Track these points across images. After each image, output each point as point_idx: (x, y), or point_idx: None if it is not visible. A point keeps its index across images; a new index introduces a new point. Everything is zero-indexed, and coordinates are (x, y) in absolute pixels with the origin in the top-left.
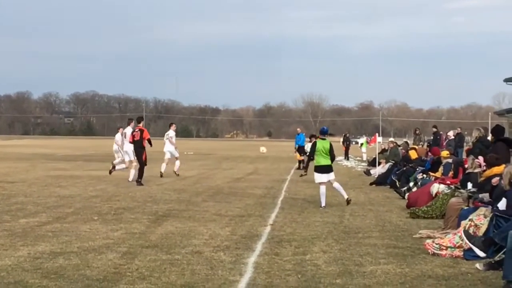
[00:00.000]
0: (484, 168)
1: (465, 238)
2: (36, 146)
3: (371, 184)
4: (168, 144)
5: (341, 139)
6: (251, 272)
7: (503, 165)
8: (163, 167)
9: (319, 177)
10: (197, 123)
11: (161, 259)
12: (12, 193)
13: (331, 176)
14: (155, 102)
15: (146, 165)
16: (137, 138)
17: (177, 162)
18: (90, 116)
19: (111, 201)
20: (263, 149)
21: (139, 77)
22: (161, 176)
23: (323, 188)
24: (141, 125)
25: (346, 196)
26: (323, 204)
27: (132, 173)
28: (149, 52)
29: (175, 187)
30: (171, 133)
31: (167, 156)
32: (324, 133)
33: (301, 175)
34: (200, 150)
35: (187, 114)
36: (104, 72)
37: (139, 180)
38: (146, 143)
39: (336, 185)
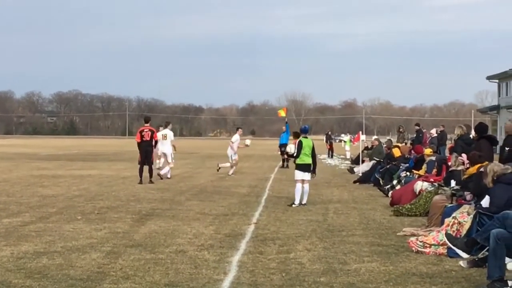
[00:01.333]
0: (468, 165)
1: (447, 241)
2: (19, 146)
3: (354, 182)
4: (167, 145)
5: (324, 138)
6: (235, 271)
7: (486, 163)
8: (164, 169)
9: (301, 175)
10: (180, 121)
11: (145, 258)
12: None
13: (309, 175)
14: (138, 101)
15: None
16: (147, 138)
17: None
18: (73, 115)
19: (95, 200)
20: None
21: (122, 76)
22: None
23: (299, 186)
24: (148, 124)
25: (303, 202)
26: (297, 202)
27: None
28: (131, 50)
29: (158, 186)
30: (168, 132)
31: (169, 158)
32: (305, 131)
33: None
34: (183, 149)
35: (170, 113)
36: (87, 71)
37: (151, 179)
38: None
39: (307, 186)
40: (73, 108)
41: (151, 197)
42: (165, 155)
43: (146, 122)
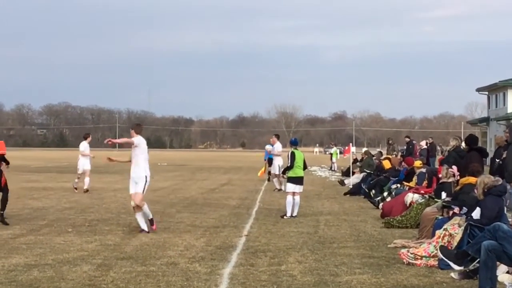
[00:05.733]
0: (458, 177)
1: (440, 254)
2: (8, 158)
3: (345, 194)
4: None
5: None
6: (226, 283)
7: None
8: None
9: (293, 188)
10: (170, 134)
11: (136, 271)
12: None
13: (301, 188)
14: (128, 113)
15: None
16: None
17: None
18: (63, 128)
19: (85, 212)
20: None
21: (111, 88)
22: None
23: (290, 198)
24: None
25: (294, 214)
26: (288, 214)
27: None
28: (121, 63)
29: (148, 198)
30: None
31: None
32: (296, 143)
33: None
34: (173, 161)
35: (160, 125)
36: (77, 84)
37: None
38: None
39: (298, 198)
40: (63, 120)
41: None
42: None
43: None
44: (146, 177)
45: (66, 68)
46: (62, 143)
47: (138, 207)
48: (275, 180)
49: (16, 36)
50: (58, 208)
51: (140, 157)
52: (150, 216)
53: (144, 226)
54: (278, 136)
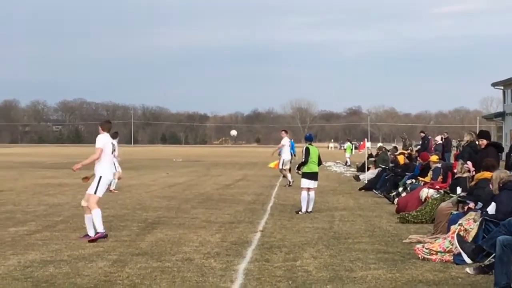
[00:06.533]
0: (473, 173)
1: (456, 242)
2: (24, 155)
3: (360, 189)
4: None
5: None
6: (242, 278)
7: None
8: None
9: (307, 183)
10: (185, 129)
11: (151, 267)
12: (0, 202)
13: (316, 183)
14: (143, 109)
15: None
16: None
17: None
18: (78, 124)
19: (100, 208)
20: (233, 133)
21: (126, 84)
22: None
23: (305, 194)
24: None
25: (309, 209)
26: (303, 209)
27: None
28: (136, 59)
29: (164, 194)
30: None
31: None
32: (311, 139)
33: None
34: (188, 157)
35: (175, 121)
36: (92, 80)
37: None
38: None
39: (313, 194)
40: (78, 117)
41: (157, 205)
42: None
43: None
44: (100, 177)
45: (81, 64)
46: (78, 139)
47: (87, 208)
48: (288, 175)
49: (31, 33)
50: (73, 205)
51: (102, 157)
52: (97, 230)
53: (90, 230)
54: (286, 132)
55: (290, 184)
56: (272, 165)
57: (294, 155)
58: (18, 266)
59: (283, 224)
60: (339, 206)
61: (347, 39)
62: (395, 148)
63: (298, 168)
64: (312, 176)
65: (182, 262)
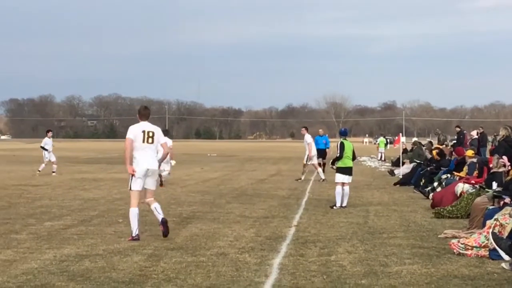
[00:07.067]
0: (509, 167)
1: (491, 239)
2: (59, 149)
3: (395, 184)
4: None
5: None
6: (276, 273)
7: None
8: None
9: (342, 178)
10: (220, 124)
11: (186, 261)
12: (37, 197)
13: (350, 178)
14: (177, 104)
15: None
16: None
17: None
18: (113, 119)
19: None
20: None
21: (161, 79)
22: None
23: (340, 188)
24: None
25: (343, 204)
26: (338, 204)
27: None
28: (171, 54)
29: (198, 189)
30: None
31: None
32: (345, 134)
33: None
34: (223, 152)
35: (210, 116)
36: (127, 75)
37: None
38: None
39: (347, 189)
40: (113, 112)
41: (191, 200)
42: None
43: None
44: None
45: (116, 59)
46: (112, 134)
47: (147, 204)
48: (318, 171)
49: (67, 29)
50: (108, 199)
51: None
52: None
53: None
54: (307, 129)
55: (323, 179)
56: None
57: (328, 148)
58: (54, 260)
59: (318, 219)
60: (373, 201)
61: (382, 34)
62: (431, 143)
63: (333, 163)
64: (347, 171)
65: (217, 256)
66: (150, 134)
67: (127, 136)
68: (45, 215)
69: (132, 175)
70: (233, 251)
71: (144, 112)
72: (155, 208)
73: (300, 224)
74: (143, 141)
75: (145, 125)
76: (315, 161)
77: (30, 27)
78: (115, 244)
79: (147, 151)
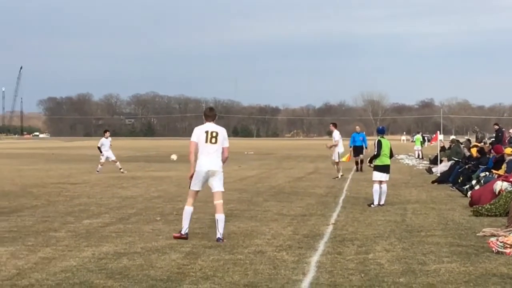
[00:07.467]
0: None
1: None
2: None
3: (433, 182)
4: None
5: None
6: (314, 271)
7: None
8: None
9: (379, 176)
10: (257, 122)
11: (224, 259)
12: (75, 195)
13: (388, 176)
14: (215, 102)
15: None
16: None
17: None
18: (150, 117)
19: (173, 201)
20: (173, 157)
21: (198, 77)
22: None
23: (377, 186)
24: None
25: (381, 202)
26: (375, 202)
27: None
28: (208, 52)
29: (236, 187)
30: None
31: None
32: (383, 132)
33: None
34: (260, 150)
35: (247, 114)
36: (164, 73)
37: None
38: None
39: (385, 187)
40: (150, 110)
41: (229, 198)
42: None
43: None
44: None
45: (153, 57)
46: (150, 132)
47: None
48: (336, 168)
49: (104, 28)
50: (146, 197)
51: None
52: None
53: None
54: (335, 125)
55: (339, 177)
56: (344, 158)
57: (366, 148)
58: (92, 258)
59: (355, 217)
60: (411, 199)
61: (420, 32)
62: (469, 141)
63: (370, 161)
64: (384, 168)
65: (254, 254)
66: (214, 135)
67: (190, 139)
68: (83, 213)
69: (192, 175)
70: (270, 249)
71: (210, 113)
72: (217, 220)
73: (338, 222)
74: (206, 141)
75: (209, 126)
76: (336, 158)
77: (69, 27)
78: (153, 242)
79: (209, 152)
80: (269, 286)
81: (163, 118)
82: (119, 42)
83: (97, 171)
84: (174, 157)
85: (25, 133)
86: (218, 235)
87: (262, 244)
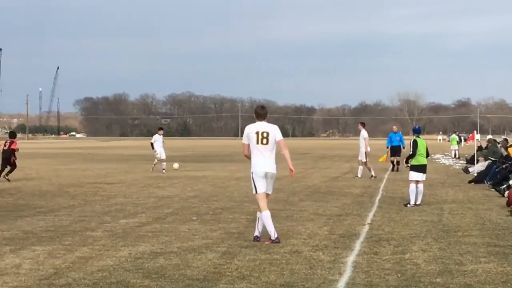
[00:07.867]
0: None
1: None
2: (134, 147)
3: (469, 182)
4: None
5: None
6: (350, 271)
7: None
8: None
9: (416, 176)
10: (293, 122)
11: (260, 259)
12: (111, 194)
13: (424, 176)
14: (250, 102)
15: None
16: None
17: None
18: (186, 117)
19: (209, 201)
20: (175, 166)
21: (234, 77)
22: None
23: (414, 186)
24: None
25: (417, 202)
26: (412, 202)
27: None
28: (244, 52)
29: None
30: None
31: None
32: (419, 132)
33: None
34: (296, 150)
35: (283, 114)
36: (200, 73)
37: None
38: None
39: (421, 187)
40: (186, 110)
41: None
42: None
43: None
44: (251, 173)
45: (189, 57)
46: (186, 132)
47: None
48: (359, 168)
49: (141, 28)
50: (182, 197)
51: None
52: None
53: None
54: (364, 124)
55: (359, 176)
56: (381, 159)
57: (403, 147)
58: (129, 258)
59: (392, 217)
60: (448, 199)
61: (456, 31)
62: (506, 140)
63: (407, 161)
64: (421, 168)
65: (291, 254)
66: (264, 135)
67: (242, 141)
68: (120, 213)
69: (253, 178)
70: (306, 249)
71: (261, 112)
72: (259, 218)
73: (374, 222)
74: (257, 143)
75: (260, 125)
76: (363, 157)
77: (106, 27)
78: (189, 241)
79: (263, 153)
80: (305, 286)
81: (198, 118)
82: (155, 42)
83: (163, 170)
84: (176, 166)
85: (62, 133)
86: (256, 234)
87: (298, 244)
